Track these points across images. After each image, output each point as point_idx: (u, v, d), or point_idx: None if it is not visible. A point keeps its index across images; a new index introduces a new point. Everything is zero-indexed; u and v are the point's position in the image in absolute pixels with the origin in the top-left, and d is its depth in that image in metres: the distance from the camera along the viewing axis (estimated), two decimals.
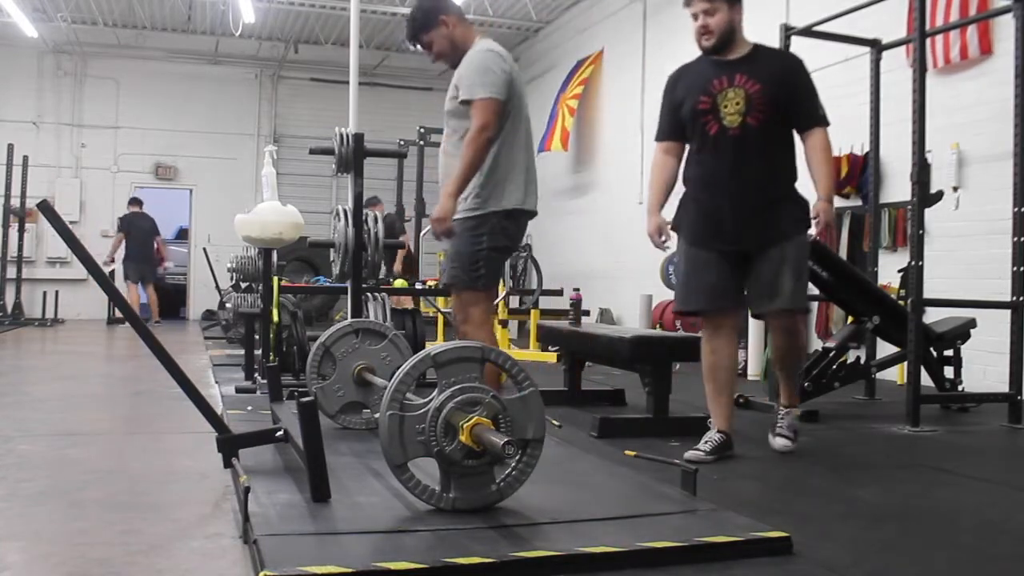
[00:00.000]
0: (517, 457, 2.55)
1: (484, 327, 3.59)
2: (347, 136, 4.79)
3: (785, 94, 3.61)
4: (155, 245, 13.12)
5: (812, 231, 3.66)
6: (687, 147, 3.79)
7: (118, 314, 12.89)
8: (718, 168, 3.64)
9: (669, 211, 3.81)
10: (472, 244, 3.51)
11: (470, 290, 3.58)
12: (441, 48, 3.71)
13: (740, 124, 3.57)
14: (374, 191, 9.71)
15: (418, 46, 3.80)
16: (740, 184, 3.60)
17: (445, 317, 8.78)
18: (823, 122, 3.66)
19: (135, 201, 13.23)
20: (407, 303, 8.53)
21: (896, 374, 6.23)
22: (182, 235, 16.00)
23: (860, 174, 7.27)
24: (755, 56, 3.67)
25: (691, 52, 3.84)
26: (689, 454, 3.53)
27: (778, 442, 3.81)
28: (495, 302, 8.24)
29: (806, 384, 4.98)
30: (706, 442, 3.63)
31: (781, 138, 3.65)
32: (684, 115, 3.70)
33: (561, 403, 4.99)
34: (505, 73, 3.52)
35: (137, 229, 12.90)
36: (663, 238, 3.75)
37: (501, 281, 8.50)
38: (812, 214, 3.58)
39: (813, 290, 5.03)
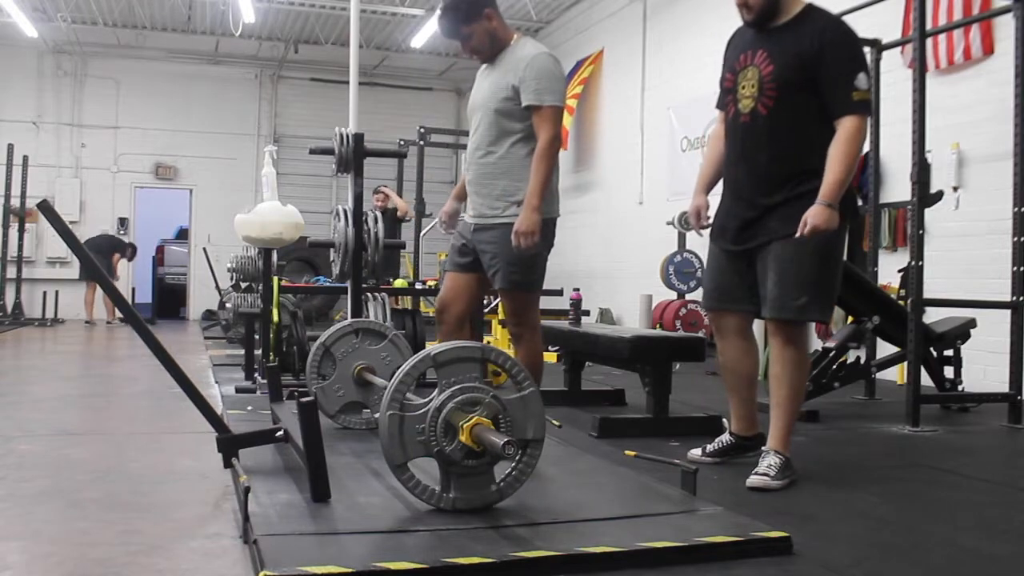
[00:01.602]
0: (517, 457, 2.55)
1: (538, 330, 3.61)
2: (347, 136, 4.79)
3: (806, 76, 3.10)
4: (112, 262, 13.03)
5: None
6: None
7: (94, 315, 12.94)
8: (729, 158, 3.35)
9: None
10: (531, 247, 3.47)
11: (529, 292, 3.56)
12: (480, 42, 3.56)
13: (751, 110, 3.21)
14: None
15: (454, 38, 3.64)
16: (742, 177, 3.29)
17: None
18: (853, 110, 3.06)
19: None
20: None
21: (896, 374, 6.23)
22: (182, 235, 16.00)
23: (860, 174, 7.27)
24: (793, 25, 3.16)
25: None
26: (689, 453, 3.52)
27: (752, 480, 3.12)
28: (495, 302, 8.24)
29: (806, 384, 4.97)
30: (712, 443, 3.55)
31: (801, 127, 3.15)
32: (720, 86, 3.41)
33: (561, 403, 4.99)
34: (564, 80, 3.52)
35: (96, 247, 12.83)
36: (701, 222, 3.47)
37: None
38: (802, 218, 3.05)
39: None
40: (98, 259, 12.44)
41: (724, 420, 3.63)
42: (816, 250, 3.15)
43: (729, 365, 3.46)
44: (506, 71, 3.47)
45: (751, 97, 3.19)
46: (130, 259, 13.62)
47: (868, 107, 3.10)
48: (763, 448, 3.24)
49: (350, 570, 2.03)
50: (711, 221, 3.47)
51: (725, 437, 3.53)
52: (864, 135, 3.10)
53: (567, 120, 11.85)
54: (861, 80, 3.06)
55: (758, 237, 3.24)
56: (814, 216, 3.02)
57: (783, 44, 3.14)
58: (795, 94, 3.12)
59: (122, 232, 14.22)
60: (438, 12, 3.64)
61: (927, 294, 4.66)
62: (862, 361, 5.58)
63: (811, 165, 3.13)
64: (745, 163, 3.26)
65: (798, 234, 3.05)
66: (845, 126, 3.06)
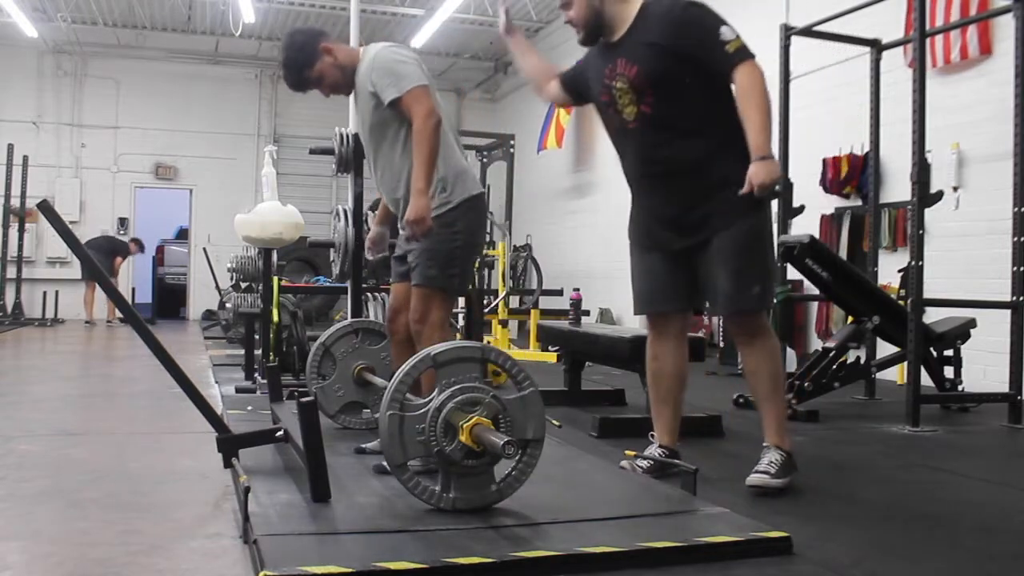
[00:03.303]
0: (517, 457, 2.55)
1: (443, 330, 3.28)
2: (347, 136, 4.78)
3: (672, 60, 2.98)
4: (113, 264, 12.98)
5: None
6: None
7: (94, 315, 12.93)
8: (628, 167, 3.24)
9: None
10: (448, 241, 3.22)
11: (440, 290, 3.25)
12: (333, 79, 3.39)
13: (636, 115, 3.07)
14: (374, 191, 9.70)
15: (306, 88, 3.46)
16: (652, 183, 3.16)
17: None
18: (740, 58, 2.92)
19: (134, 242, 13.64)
20: None
21: (896, 374, 6.23)
22: (182, 235, 16.00)
23: (860, 174, 7.27)
24: (635, 27, 3.07)
25: None
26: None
27: (751, 478, 3.02)
28: (495, 302, 8.25)
29: (806, 384, 4.98)
30: (645, 458, 3.24)
31: (699, 113, 3.05)
32: (594, 101, 3.29)
33: (561, 403, 4.99)
34: (414, 59, 3.30)
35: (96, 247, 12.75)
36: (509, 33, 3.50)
37: (501, 282, 8.53)
38: (746, 183, 2.91)
39: (809, 288, 5.02)
40: (98, 259, 12.44)
41: (652, 433, 3.35)
42: (757, 236, 3.08)
43: (667, 370, 3.30)
44: (363, 85, 3.31)
45: (632, 103, 3.07)
46: (139, 252, 13.62)
47: (748, 51, 2.94)
48: (763, 444, 3.13)
49: (350, 570, 2.03)
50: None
51: (657, 450, 3.27)
52: (761, 76, 2.94)
53: (565, 119, 11.85)
54: (726, 32, 2.94)
55: (695, 235, 3.09)
56: (756, 174, 2.88)
57: (634, 44, 3.05)
58: (669, 83, 3.01)
59: (122, 232, 14.22)
60: (282, 73, 3.48)
61: (927, 294, 4.66)
62: (862, 361, 5.58)
63: (717, 143, 3.05)
64: (650, 167, 3.14)
65: (744, 191, 2.90)
66: (740, 78, 2.92)
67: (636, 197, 3.31)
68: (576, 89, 3.37)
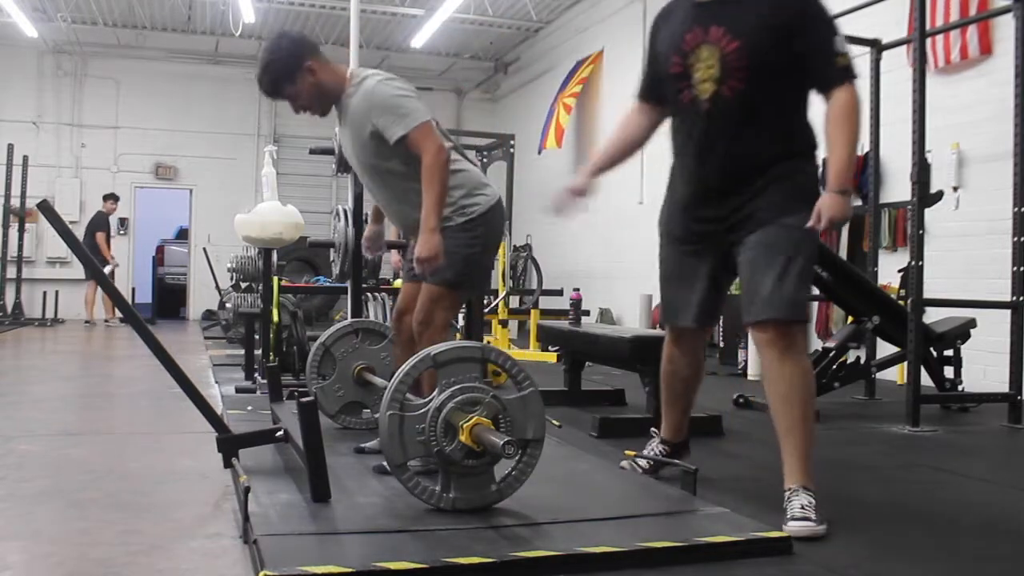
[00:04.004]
0: (517, 457, 2.55)
1: (445, 332, 3.26)
2: None
3: (779, 49, 2.66)
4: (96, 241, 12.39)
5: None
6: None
7: (94, 315, 12.90)
8: (687, 149, 2.87)
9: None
10: (467, 246, 3.22)
11: (450, 291, 3.23)
12: (309, 100, 3.26)
13: (713, 95, 2.72)
14: None
15: (279, 99, 3.34)
16: (710, 172, 2.81)
17: None
18: (843, 79, 2.65)
19: (107, 197, 12.90)
20: None
21: (896, 374, 6.23)
22: (182, 235, 16.00)
23: (860, 174, 7.27)
24: None
25: None
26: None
27: (795, 527, 2.52)
28: (495, 302, 8.25)
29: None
30: (644, 458, 3.22)
31: (779, 105, 2.75)
32: (663, 76, 2.89)
33: (561, 403, 4.99)
34: (413, 92, 3.20)
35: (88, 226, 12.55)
36: (574, 199, 3.07)
37: (501, 282, 8.53)
38: (814, 214, 2.63)
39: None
40: (88, 244, 12.25)
41: (654, 429, 3.32)
42: (802, 238, 2.72)
43: (682, 374, 3.11)
44: (360, 123, 3.20)
45: (711, 79, 2.71)
46: (114, 206, 12.92)
47: (855, 72, 2.69)
48: (789, 487, 2.66)
49: (350, 570, 2.03)
50: (585, 208, 3.09)
51: (659, 448, 3.23)
52: (859, 103, 2.69)
53: (564, 119, 11.85)
54: (840, 43, 2.68)
55: (738, 231, 2.79)
56: (829, 208, 2.60)
57: (743, 16, 2.69)
58: (766, 71, 2.68)
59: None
60: (257, 73, 3.27)
61: (927, 294, 4.66)
62: (862, 361, 5.58)
63: (787, 147, 2.78)
64: (711, 154, 2.79)
65: (810, 224, 2.62)
66: (839, 99, 2.65)
67: (679, 183, 2.95)
68: (660, 90, 2.95)
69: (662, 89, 2.92)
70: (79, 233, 12.17)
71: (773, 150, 2.76)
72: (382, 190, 3.35)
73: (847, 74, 2.67)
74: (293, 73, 3.19)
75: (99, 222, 12.69)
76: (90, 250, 12.16)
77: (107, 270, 12.47)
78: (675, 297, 3.03)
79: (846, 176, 2.65)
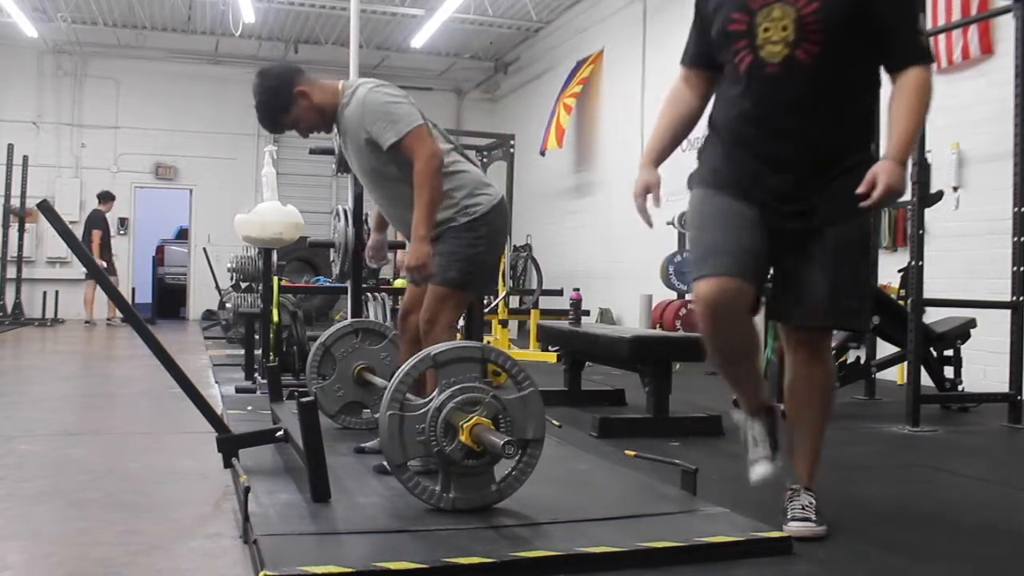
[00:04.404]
0: (517, 457, 2.56)
1: (450, 332, 3.28)
2: None
3: (860, 16, 2.44)
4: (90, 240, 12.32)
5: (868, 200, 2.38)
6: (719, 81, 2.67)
7: (94, 315, 12.90)
8: (747, 116, 2.54)
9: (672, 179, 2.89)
10: (471, 246, 3.23)
11: (456, 292, 3.23)
12: (310, 122, 3.29)
13: (784, 59, 2.45)
14: None
15: (281, 131, 3.38)
16: (769, 141, 2.52)
17: None
18: (922, 58, 2.46)
19: (102, 196, 12.90)
20: None
21: (896, 374, 6.23)
22: (182, 235, 16.00)
23: None
24: None
25: None
26: (757, 475, 2.72)
27: (794, 527, 2.50)
28: (495, 302, 8.25)
29: None
30: (768, 443, 2.73)
31: (852, 80, 2.51)
32: (715, 36, 2.60)
33: (561, 403, 4.99)
34: (405, 97, 3.21)
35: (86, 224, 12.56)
36: (648, 202, 2.68)
37: (501, 282, 8.53)
38: (867, 177, 2.36)
39: None
40: (87, 243, 12.22)
41: (780, 406, 2.80)
42: (866, 241, 2.57)
43: (740, 347, 2.61)
44: (355, 133, 3.22)
45: (783, 42, 2.45)
46: (110, 204, 12.89)
47: (932, 56, 2.52)
48: (793, 487, 2.63)
49: (350, 570, 2.03)
50: (662, 202, 2.72)
51: (760, 426, 2.75)
52: (932, 88, 2.49)
53: (565, 119, 11.85)
54: (922, 22, 2.52)
55: (803, 219, 2.51)
56: (888, 174, 2.34)
57: None
58: (844, 38, 2.44)
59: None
60: (257, 115, 3.32)
61: (927, 294, 4.66)
62: (862, 361, 5.58)
63: (857, 135, 2.56)
64: (775, 124, 2.51)
65: (862, 190, 2.36)
66: (918, 75, 2.44)
67: (731, 149, 2.59)
68: (712, 54, 2.64)
69: (714, 52, 2.62)
70: (79, 234, 12.18)
71: (844, 136, 2.54)
72: (382, 194, 3.38)
73: (927, 55, 2.49)
74: (287, 103, 3.23)
75: (95, 220, 12.64)
76: (89, 251, 12.26)
77: None
78: (717, 239, 2.52)
79: (909, 148, 2.45)
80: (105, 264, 12.37)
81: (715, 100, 2.68)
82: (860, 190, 2.36)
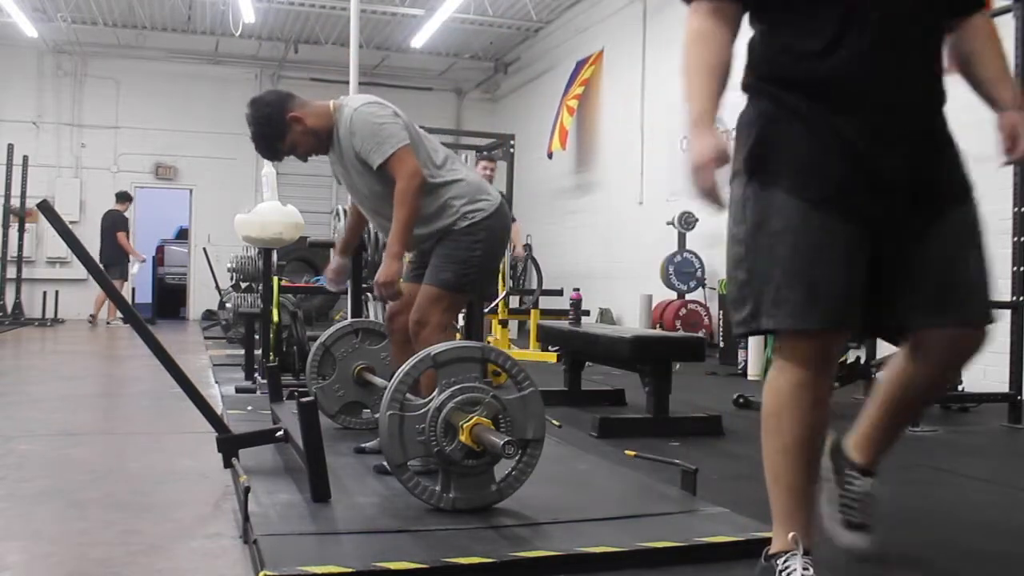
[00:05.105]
0: (517, 457, 2.56)
1: (442, 333, 3.21)
2: None
3: None
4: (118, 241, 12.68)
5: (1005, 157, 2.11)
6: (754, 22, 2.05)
7: (105, 315, 12.91)
8: (855, 67, 1.92)
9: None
10: (468, 249, 3.23)
11: (449, 293, 3.23)
12: (306, 146, 3.31)
13: None
14: None
15: (280, 158, 3.42)
16: (896, 100, 1.99)
17: None
18: (985, 5, 2.14)
19: (120, 197, 13.14)
20: None
21: None
22: (182, 235, 16.00)
23: None
24: None
25: None
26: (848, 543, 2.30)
27: (847, 537, 2.26)
28: (495, 302, 8.25)
29: None
30: None
31: (939, 34, 2.12)
32: None
33: (561, 403, 4.99)
34: (392, 116, 3.22)
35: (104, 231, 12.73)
36: (717, 175, 1.88)
37: (501, 282, 8.52)
38: (1003, 131, 2.07)
39: None
40: (109, 244, 12.43)
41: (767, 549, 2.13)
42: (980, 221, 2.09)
43: (825, 421, 2.03)
44: (346, 151, 3.26)
45: None
46: (128, 205, 13.23)
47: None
48: (850, 473, 2.44)
49: (350, 570, 2.04)
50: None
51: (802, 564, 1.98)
52: None
53: (568, 121, 11.85)
54: None
55: (924, 203, 1.97)
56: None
57: None
58: None
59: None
60: (254, 146, 3.36)
61: None
62: (862, 361, 5.58)
63: (945, 93, 2.11)
64: (893, 72, 1.98)
65: (1008, 144, 2.05)
66: (987, 23, 2.16)
67: (841, 121, 1.92)
68: None
69: None
70: (79, 234, 12.17)
71: (942, 89, 2.10)
72: (372, 209, 3.42)
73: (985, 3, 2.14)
74: (282, 130, 3.26)
75: (118, 221, 12.85)
76: (116, 251, 12.45)
77: (137, 268, 12.96)
78: (825, 276, 1.87)
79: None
80: (143, 259, 12.53)
81: (782, 51, 1.98)
82: (1004, 144, 2.03)
